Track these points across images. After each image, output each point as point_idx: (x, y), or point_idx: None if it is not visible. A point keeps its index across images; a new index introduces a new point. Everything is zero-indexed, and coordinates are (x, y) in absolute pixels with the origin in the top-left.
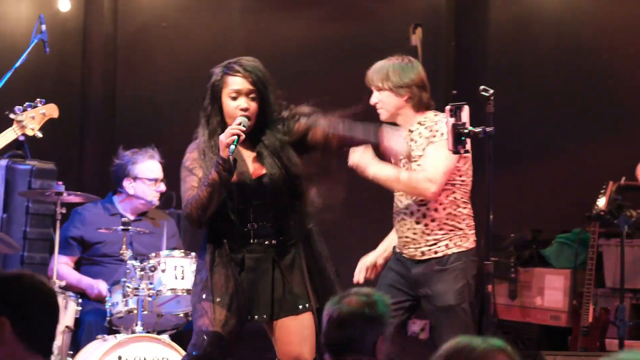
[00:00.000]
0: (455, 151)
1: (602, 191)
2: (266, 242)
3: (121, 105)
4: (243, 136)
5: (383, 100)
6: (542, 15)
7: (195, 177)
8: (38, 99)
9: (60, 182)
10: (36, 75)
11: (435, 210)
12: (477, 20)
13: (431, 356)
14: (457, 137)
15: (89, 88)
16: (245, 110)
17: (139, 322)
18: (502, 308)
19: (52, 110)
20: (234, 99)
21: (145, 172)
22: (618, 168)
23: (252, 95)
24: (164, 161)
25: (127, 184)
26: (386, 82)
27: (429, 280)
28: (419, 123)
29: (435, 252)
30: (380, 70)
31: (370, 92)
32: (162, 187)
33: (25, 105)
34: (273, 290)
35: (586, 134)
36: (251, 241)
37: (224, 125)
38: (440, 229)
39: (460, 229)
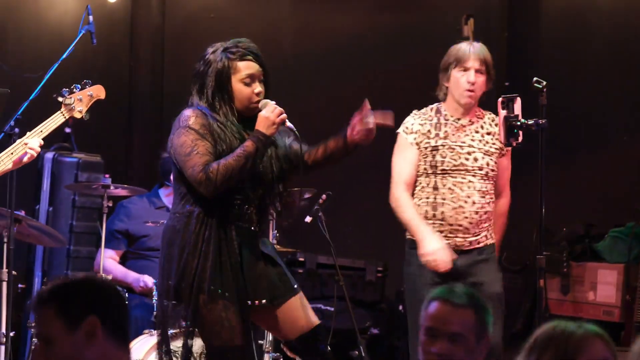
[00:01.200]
0: (508, 144)
1: None
2: (252, 228)
3: (169, 97)
4: None
5: (479, 85)
6: (596, 5)
7: (208, 144)
8: (85, 80)
9: (107, 175)
10: (83, 67)
11: (488, 203)
12: (529, 10)
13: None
14: (510, 130)
15: (137, 80)
16: (259, 94)
17: None
18: (554, 303)
19: (99, 92)
20: (248, 84)
21: None
22: None
23: (261, 78)
24: None
25: None
26: (492, 70)
27: (475, 269)
28: (477, 116)
29: (479, 242)
30: (487, 54)
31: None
32: None
33: (72, 87)
34: (268, 275)
35: None
36: (245, 225)
37: (235, 112)
38: (485, 222)
39: (491, 223)
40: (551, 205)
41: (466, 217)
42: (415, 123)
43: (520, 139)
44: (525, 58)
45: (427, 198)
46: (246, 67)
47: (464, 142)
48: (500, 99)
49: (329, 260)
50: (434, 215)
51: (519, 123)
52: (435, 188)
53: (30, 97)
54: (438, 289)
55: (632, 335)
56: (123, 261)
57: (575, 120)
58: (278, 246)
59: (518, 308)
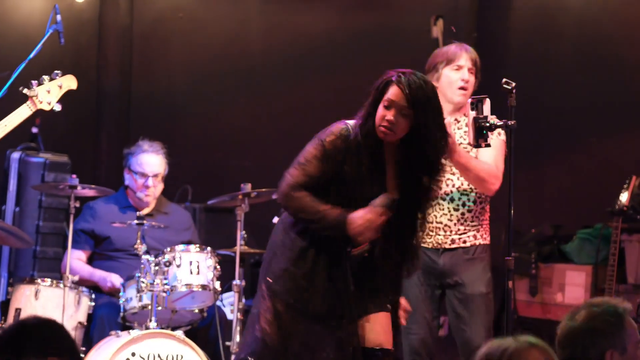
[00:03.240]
0: (477, 145)
1: (625, 186)
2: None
3: (136, 97)
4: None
5: (471, 84)
6: (565, 7)
7: (320, 168)
8: (55, 71)
9: (74, 175)
10: (51, 66)
11: (475, 202)
12: (498, 11)
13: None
14: (479, 131)
15: (104, 80)
16: (389, 122)
17: (153, 318)
18: (523, 304)
19: (69, 82)
20: (386, 107)
21: (135, 166)
22: None
23: (404, 112)
24: (165, 157)
25: (125, 175)
26: (479, 70)
27: (458, 268)
28: (465, 114)
29: (464, 242)
30: (477, 56)
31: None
32: (150, 182)
33: (40, 78)
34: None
35: (609, 128)
36: (357, 252)
37: (374, 131)
38: (472, 221)
39: (486, 224)
40: (519, 206)
41: (445, 214)
42: None
43: (489, 140)
44: (494, 59)
45: None
46: (393, 92)
47: None
48: (469, 100)
49: None
50: None
51: (487, 124)
52: None
53: None
54: None
55: None
56: (90, 262)
57: (544, 121)
58: (246, 247)
59: None
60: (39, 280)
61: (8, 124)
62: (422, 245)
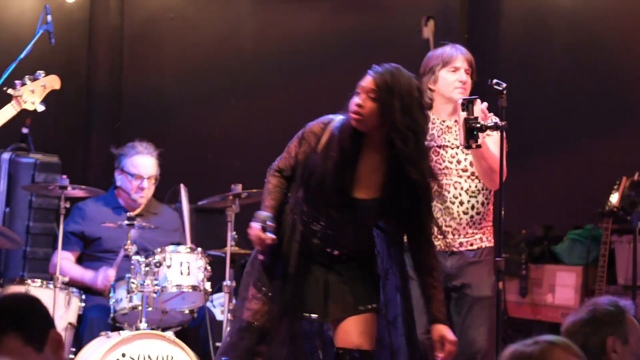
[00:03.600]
0: (467, 146)
1: (615, 187)
2: (331, 251)
3: (127, 98)
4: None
5: (469, 84)
6: (555, 9)
7: (298, 147)
8: (39, 71)
9: (65, 176)
10: (41, 67)
11: (482, 204)
12: (489, 13)
13: None
14: (469, 132)
15: (95, 80)
16: (357, 105)
17: (144, 319)
18: (513, 305)
19: (53, 82)
20: (357, 94)
21: (129, 167)
22: (631, 163)
23: (371, 95)
24: (157, 159)
25: (117, 176)
26: (474, 70)
27: (464, 271)
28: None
29: (471, 244)
30: (472, 57)
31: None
32: (145, 184)
33: (23, 78)
34: (335, 294)
35: (599, 129)
36: (327, 249)
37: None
38: (480, 223)
39: (491, 226)
40: (510, 207)
41: (454, 218)
42: None
43: (479, 141)
44: (485, 60)
45: None
46: (364, 80)
47: (448, 143)
48: (459, 101)
49: None
50: None
51: (478, 125)
52: None
53: None
54: None
55: None
56: (79, 263)
57: (534, 122)
58: (236, 248)
59: None
60: (29, 281)
61: None
62: None
